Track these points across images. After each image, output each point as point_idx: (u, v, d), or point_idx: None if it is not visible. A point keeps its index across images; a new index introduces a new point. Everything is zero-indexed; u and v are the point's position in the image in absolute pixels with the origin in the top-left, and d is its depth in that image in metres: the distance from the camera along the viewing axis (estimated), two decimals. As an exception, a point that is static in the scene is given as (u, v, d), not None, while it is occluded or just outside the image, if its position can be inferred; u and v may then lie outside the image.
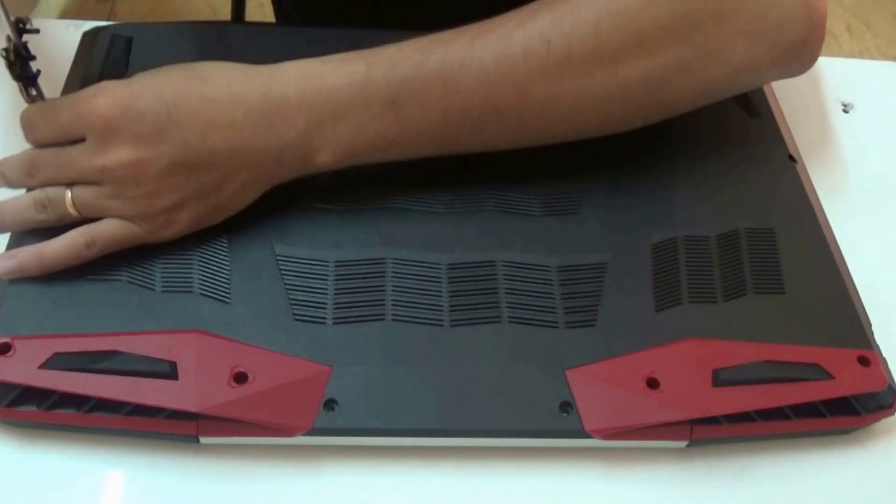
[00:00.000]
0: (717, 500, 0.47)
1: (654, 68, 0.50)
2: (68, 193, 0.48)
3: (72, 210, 0.48)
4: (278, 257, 0.50)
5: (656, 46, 0.50)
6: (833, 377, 0.48)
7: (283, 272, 0.50)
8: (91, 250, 0.48)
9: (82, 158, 0.47)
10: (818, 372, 0.48)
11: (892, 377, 0.49)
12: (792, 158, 0.59)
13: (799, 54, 0.54)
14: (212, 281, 0.49)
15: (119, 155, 0.47)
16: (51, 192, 0.48)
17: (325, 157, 0.50)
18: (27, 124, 0.49)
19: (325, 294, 0.49)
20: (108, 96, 0.47)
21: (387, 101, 0.49)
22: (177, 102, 0.47)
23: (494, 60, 0.49)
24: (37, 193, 0.49)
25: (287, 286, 0.49)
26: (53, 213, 0.49)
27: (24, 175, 0.49)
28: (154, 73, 0.49)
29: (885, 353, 0.50)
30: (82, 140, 0.48)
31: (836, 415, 0.48)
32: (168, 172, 0.47)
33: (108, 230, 0.48)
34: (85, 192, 0.48)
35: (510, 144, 0.53)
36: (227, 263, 0.50)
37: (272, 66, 0.49)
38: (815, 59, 0.55)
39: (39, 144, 0.49)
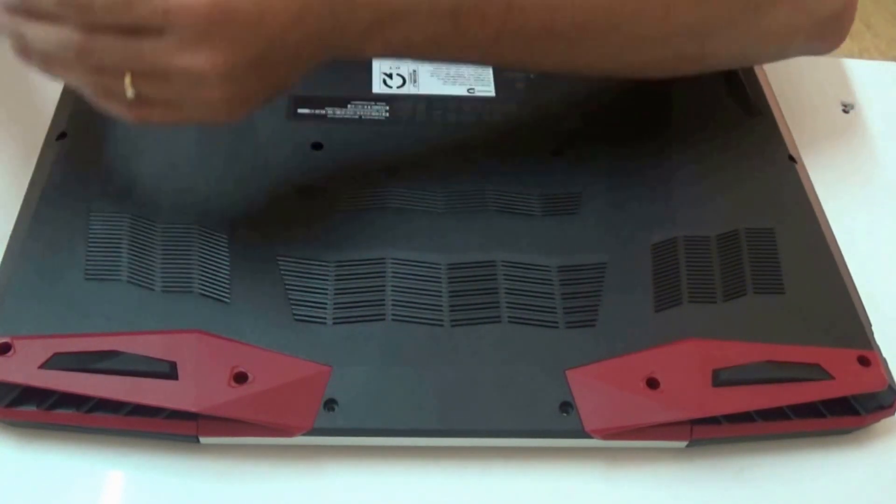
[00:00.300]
0: (717, 500, 0.47)
1: (706, 17, 0.52)
2: (128, 81, 0.44)
3: (129, 96, 0.44)
4: (278, 257, 0.50)
5: None
6: (833, 377, 0.48)
7: (283, 272, 0.50)
8: (138, 123, 0.46)
9: (162, 56, 0.43)
10: (818, 372, 0.48)
11: (892, 377, 0.49)
12: (792, 158, 0.59)
13: (831, 30, 0.56)
14: (212, 281, 0.49)
15: (212, 59, 0.43)
16: (109, 82, 0.44)
17: (375, 51, 0.49)
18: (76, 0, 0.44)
19: (325, 294, 0.49)
20: None
21: (449, 10, 0.48)
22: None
23: None
24: (93, 78, 0.45)
25: (287, 286, 0.49)
26: (104, 100, 0.46)
27: (69, 59, 0.45)
28: None
29: (885, 353, 0.50)
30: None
31: (836, 415, 0.48)
32: (251, 71, 0.45)
33: (159, 118, 0.46)
34: (152, 89, 0.44)
35: (550, 69, 0.54)
36: (227, 263, 0.50)
37: None
38: (842, 39, 0.57)
39: (91, 28, 0.44)
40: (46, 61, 0.46)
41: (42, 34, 0.45)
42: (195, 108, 0.46)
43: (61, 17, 0.44)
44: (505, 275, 0.51)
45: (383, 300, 0.49)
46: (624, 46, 0.53)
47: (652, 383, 0.47)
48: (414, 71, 0.62)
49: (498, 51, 0.51)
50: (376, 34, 0.48)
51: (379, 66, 0.62)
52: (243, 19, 0.43)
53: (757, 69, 0.65)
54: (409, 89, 0.61)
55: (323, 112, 0.59)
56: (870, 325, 0.51)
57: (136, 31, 0.43)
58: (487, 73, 0.63)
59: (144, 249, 0.49)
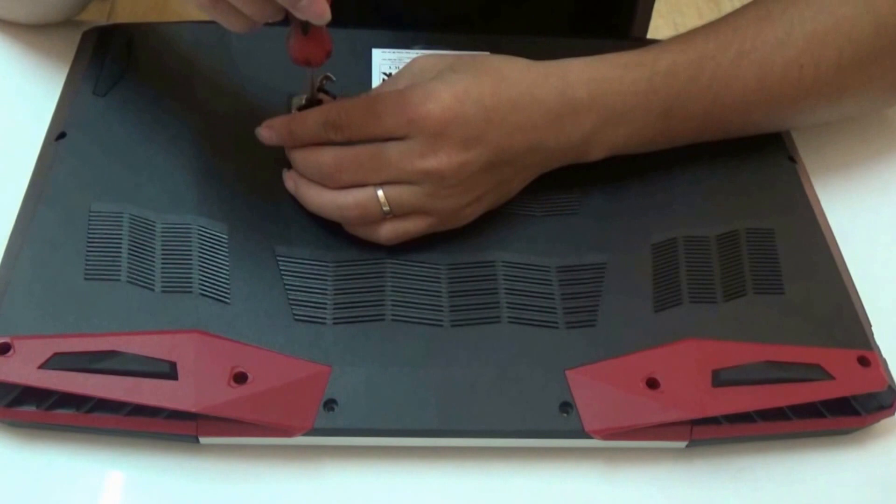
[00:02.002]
0: (717, 500, 0.47)
1: (867, 92, 0.58)
2: (381, 193, 0.49)
3: (385, 209, 0.50)
4: (278, 257, 0.50)
5: (880, 73, 0.57)
6: (833, 377, 0.48)
7: (283, 272, 0.50)
8: (390, 243, 0.51)
9: (407, 160, 0.49)
10: (818, 372, 0.48)
11: (892, 377, 0.49)
12: (792, 159, 0.59)
13: None
14: (211, 281, 0.49)
15: (449, 158, 0.49)
16: (362, 196, 0.50)
17: (598, 153, 0.54)
18: (335, 122, 0.50)
19: (325, 294, 0.49)
20: (438, 102, 0.49)
21: (662, 111, 0.53)
22: (493, 106, 0.50)
23: (756, 83, 0.54)
24: (349, 198, 0.50)
25: (287, 286, 0.49)
26: (362, 217, 0.50)
27: (327, 177, 0.50)
28: (461, 74, 0.50)
29: (885, 353, 0.50)
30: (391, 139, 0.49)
31: (837, 415, 0.48)
32: (482, 171, 0.50)
33: (413, 227, 0.51)
34: (402, 192, 0.49)
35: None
36: (227, 263, 0.50)
37: (558, 64, 0.53)
38: None
39: (345, 142, 0.50)
40: (320, 179, 0.51)
41: (305, 157, 0.51)
42: (440, 214, 0.51)
43: (322, 139, 0.50)
44: (505, 275, 0.51)
45: (383, 300, 0.49)
46: (794, 119, 0.59)
47: (652, 383, 0.47)
48: (414, 71, 0.62)
49: (698, 137, 0.56)
50: (598, 138, 0.53)
51: (379, 66, 0.62)
52: (472, 123, 0.49)
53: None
54: (409, 89, 0.61)
55: (323, 112, 0.59)
56: (870, 325, 0.51)
57: (384, 139, 0.49)
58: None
59: (144, 249, 0.49)
